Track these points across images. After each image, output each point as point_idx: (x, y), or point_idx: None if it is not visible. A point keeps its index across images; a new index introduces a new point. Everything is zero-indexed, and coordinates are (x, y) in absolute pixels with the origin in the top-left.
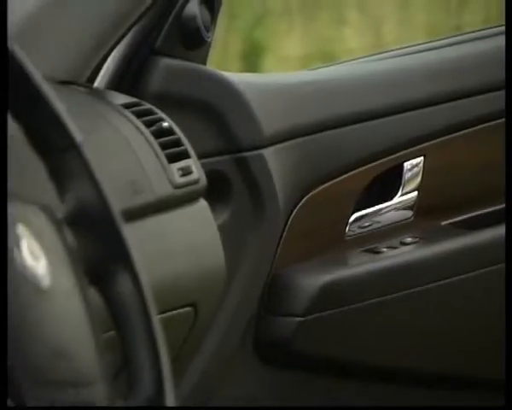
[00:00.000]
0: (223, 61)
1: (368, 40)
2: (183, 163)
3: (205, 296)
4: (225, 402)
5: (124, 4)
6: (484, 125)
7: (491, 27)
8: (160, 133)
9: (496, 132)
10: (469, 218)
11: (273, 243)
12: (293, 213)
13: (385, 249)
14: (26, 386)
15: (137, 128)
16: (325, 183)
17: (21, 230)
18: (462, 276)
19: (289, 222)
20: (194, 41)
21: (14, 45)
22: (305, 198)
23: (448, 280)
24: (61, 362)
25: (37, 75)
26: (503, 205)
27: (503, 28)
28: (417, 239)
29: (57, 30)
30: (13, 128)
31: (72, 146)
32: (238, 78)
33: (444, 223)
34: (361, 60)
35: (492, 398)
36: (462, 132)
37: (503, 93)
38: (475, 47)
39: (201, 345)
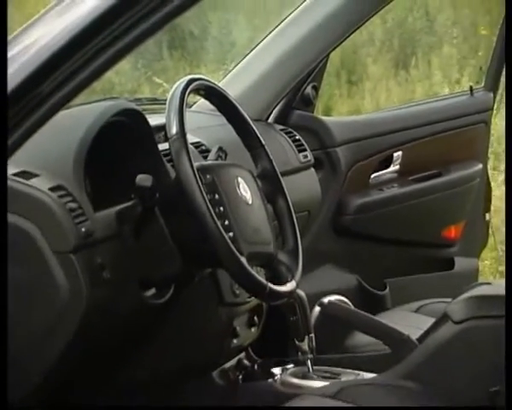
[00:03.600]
0: (315, 114)
1: (374, 105)
2: (303, 153)
3: (312, 207)
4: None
5: (281, 86)
6: (428, 138)
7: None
8: (294, 141)
9: (435, 141)
10: (420, 176)
11: (339, 185)
12: (348, 174)
13: (385, 189)
14: (242, 244)
15: (286, 139)
16: (361, 161)
17: (240, 179)
18: (416, 200)
19: (347, 177)
20: (308, 103)
21: (232, 98)
22: (353, 167)
23: (412, 202)
24: (257, 233)
25: (247, 117)
26: (436, 170)
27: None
28: (398, 185)
29: (254, 92)
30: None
31: (260, 146)
32: (325, 119)
33: (410, 178)
34: (375, 112)
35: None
36: (417, 141)
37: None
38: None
39: (310, 228)
